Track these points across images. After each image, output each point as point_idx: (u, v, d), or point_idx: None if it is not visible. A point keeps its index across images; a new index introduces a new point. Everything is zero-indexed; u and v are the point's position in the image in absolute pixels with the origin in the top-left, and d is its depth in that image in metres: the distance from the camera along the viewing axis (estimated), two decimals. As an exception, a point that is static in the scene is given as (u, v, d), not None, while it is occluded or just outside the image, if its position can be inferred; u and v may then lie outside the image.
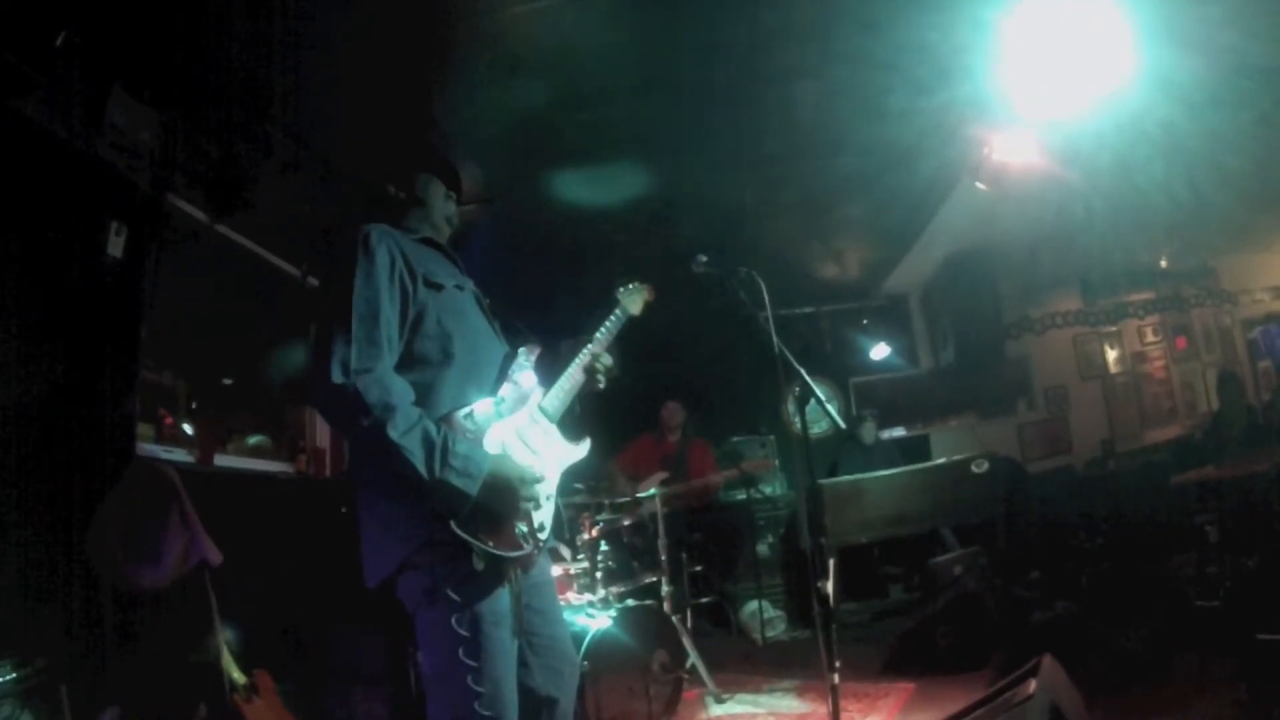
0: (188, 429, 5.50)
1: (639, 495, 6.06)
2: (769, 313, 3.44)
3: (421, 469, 2.30)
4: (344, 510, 5.55)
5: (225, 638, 4.13)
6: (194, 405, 5.75)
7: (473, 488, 2.37)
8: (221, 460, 5.60)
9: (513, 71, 5.11)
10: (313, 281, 6.54)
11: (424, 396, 2.49)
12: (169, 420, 5.36)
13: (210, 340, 5.87)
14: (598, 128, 5.80)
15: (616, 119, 5.77)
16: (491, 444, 2.55)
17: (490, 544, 2.40)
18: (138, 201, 4.71)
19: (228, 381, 6.31)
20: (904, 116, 5.87)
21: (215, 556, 4.08)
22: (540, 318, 4.12)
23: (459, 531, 2.34)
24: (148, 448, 4.95)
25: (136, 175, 4.70)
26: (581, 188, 6.49)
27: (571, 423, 2.96)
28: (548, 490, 2.73)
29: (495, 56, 5.05)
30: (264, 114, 5.16)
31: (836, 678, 3.26)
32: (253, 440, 6.27)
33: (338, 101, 5.18)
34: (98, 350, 4.38)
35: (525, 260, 7.09)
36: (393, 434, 2.30)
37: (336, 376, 2.32)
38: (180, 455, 5.18)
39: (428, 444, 2.34)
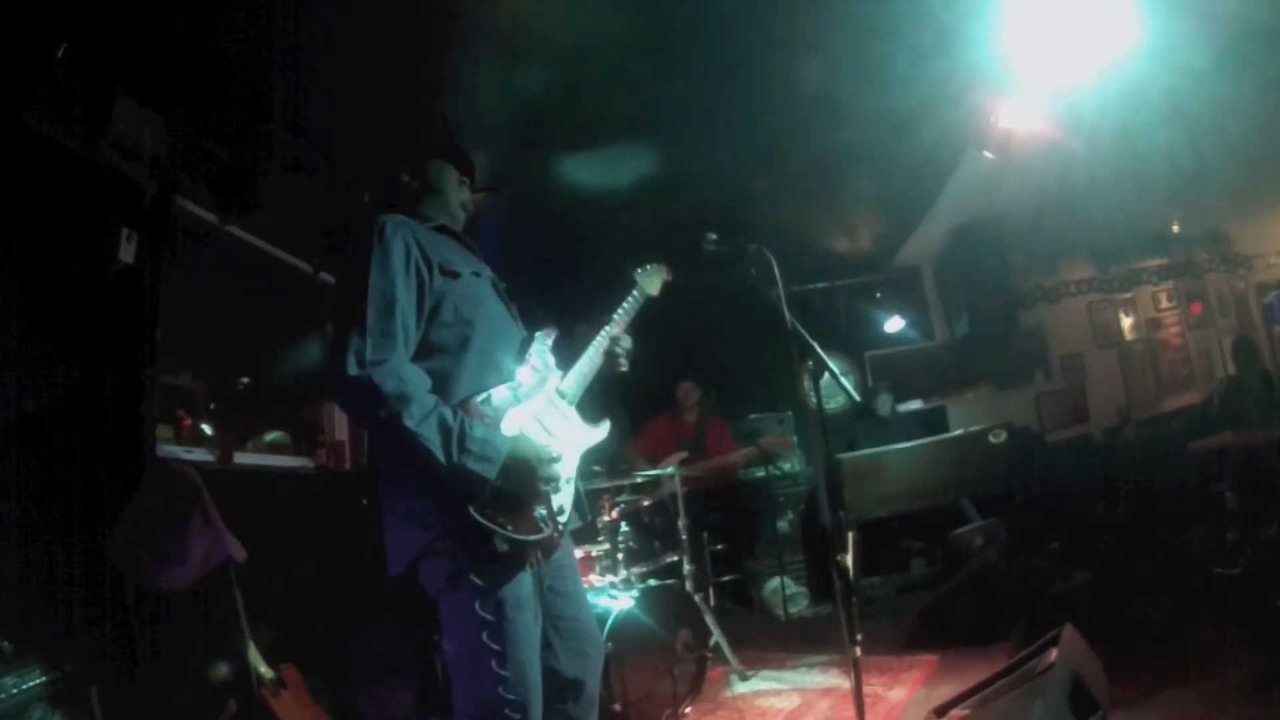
0: (207, 429, 5.53)
1: (657, 473, 6.05)
2: (781, 289, 3.43)
3: (439, 455, 2.31)
4: (365, 502, 5.58)
5: (252, 633, 4.16)
6: (212, 405, 5.78)
7: (491, 471, 2.38)
8: (242, 458, 5.63)
9: (514, 58, 5.12)
10: (325, 277, 6.55)
11: (442, 384, 2.50)
12: (188, 421, 5.40)
13: (226, 340, 5.91)
14: (602, 109, 5.81)
15: (621, 99, 5.78)
16: (509, 428, 2.55)
17: (510, 528, 2.41)
18: (146, 206, 4.73)
19: (245, 380, 6.34)
20: (907, 84, 5.84)
21: (239, 553, 4.10)
22: (553, 300, 4.13)
23: (478, 517, 2.35)
24: (168, 449, 4.98)
25: (143, 180, 4.72)
26: (588, 169, 6.50)
27: (590, 405, 2.97)
28: (567, 473, 2.73)
29: (497, 44, 5.06)
30: (268, 112, 5.16)
31: (859, 651, 3.26)
32: (270, 437, 6.31)
33: (341, 96, 5.19)
34: (113, 355, 4.42)
35: (535, 244, 7.10)
36: (409, 423, 2.31)
37: (352, 369, 2.33)
38: (200, 455, 5.22)
39: (444, 430, 2.35)
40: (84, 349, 4.27)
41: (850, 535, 3.25)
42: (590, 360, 2.98)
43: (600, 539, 5.25)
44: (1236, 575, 5.65)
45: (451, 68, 5.22)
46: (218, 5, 4.38)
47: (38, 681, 3.31)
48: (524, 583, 2.48)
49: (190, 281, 5.11)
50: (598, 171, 6.50)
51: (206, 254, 5.50)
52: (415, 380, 2.40)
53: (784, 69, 5.73)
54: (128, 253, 4.57)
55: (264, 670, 4.11)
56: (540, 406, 2.73)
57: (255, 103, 5.10)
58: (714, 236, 3.63)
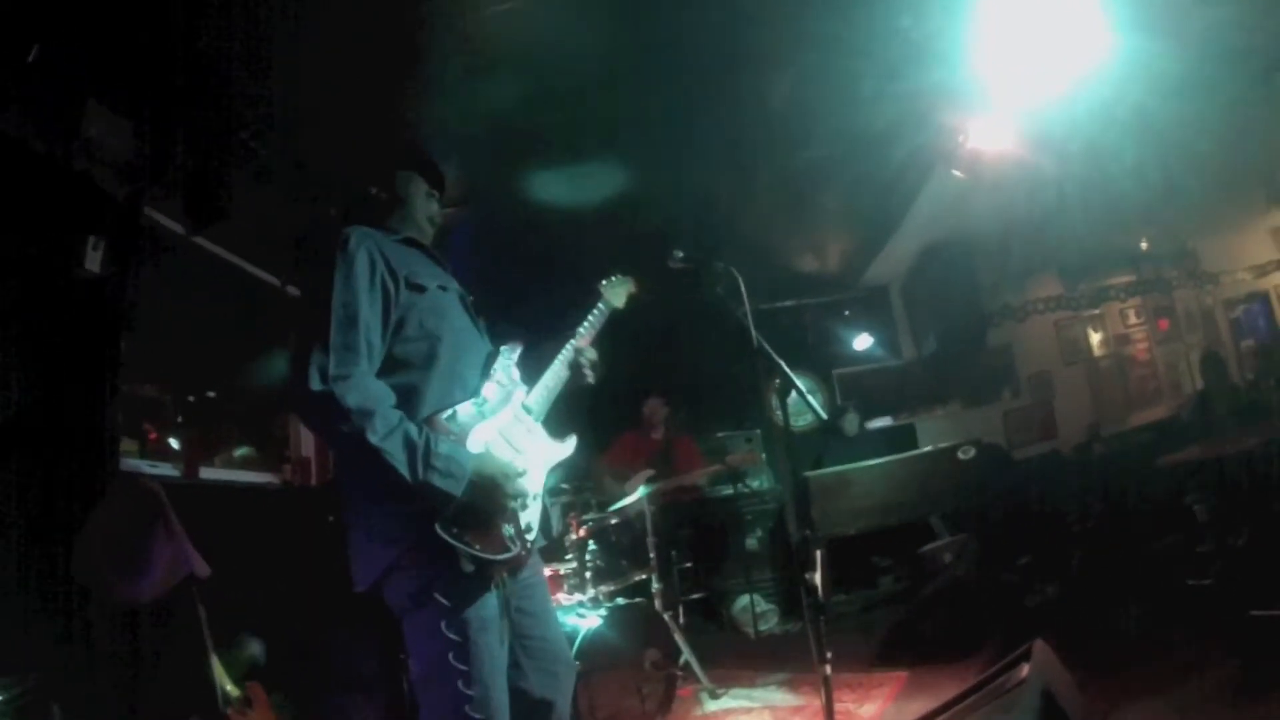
0: (174, 443, 5.48)
1: (623, 503, 6.02)
2: (747, 307, 3.44)
3: (404, 472, 2.29)
4: (331, 519, 5.53)
5: (219, 650, 4.12)
6: (179, 419, 5.73)
7: (457, 488, 2.36)
8: (207, 473, 5.58)
9: (483, 72, 5.11)
10: (293, 290, 6.52)
11: (408, 399, 2.47)
12: (154, 435, 5.34)
13: (193, 352, 5.86)
14: (570, 124, 5.79)
15: (589, 115, 5.75)
16: (475, 444, 2.53)
17: (476, 547, 2.39)
18: (114, 214, 4.69)
19: (211, 394, 6.28)
20: (876, 102, 5.86)
21: (203, 569, 4.06)
22: (520, 315, 4.10)
23: (444, 535, 2.33)
24: (132, 462, 4.93)
25: (112, 188, 4.68)
26: (556, 185, 6.47)
27: (556, 420, 2.95)
28: (534, 489, 2.71)
29: (466, 58, 5.04)
30: (238, 122, 5.14)
31: (828, 669, 3.26)
32: (239, 452, 6.26)
33: (312, 107, 5.17)
34: (77, 366, 4.36)
35: (502, 258, 7.07)
36: (373, 438, 2.28)
37: (314, 384, 2.30)
38: (166, 469, 5.17)
39: (409, 446, 2.32)
40: (47, 358, 4.22)
41: (818, 553, 3.25)
42: (556, 374, 2.97)
43: (568, 557, 5.23)
44: (1208, 585, 5.67)
45: (420, 80, 5.20)
46: (190, 13, 4.34)
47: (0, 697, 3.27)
48: (489, 602, 2.46)
49: (157, 292, 5.06)
50: (565, 186, 6.47)
51: (174, 265, 5.46)
52: (379, 395, 2.38)
53: (753, 85, 5.74)
54: (94, 261, 4.52)
55: (230, 687, 4.07)
56: (506, 422, 2.71)
57: (225, 112, 5.07)
58: (680, 254, 3.63)
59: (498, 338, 2.93)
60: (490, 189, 6.41)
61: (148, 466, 5.04)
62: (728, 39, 5.23)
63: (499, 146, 6.00)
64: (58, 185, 4.36)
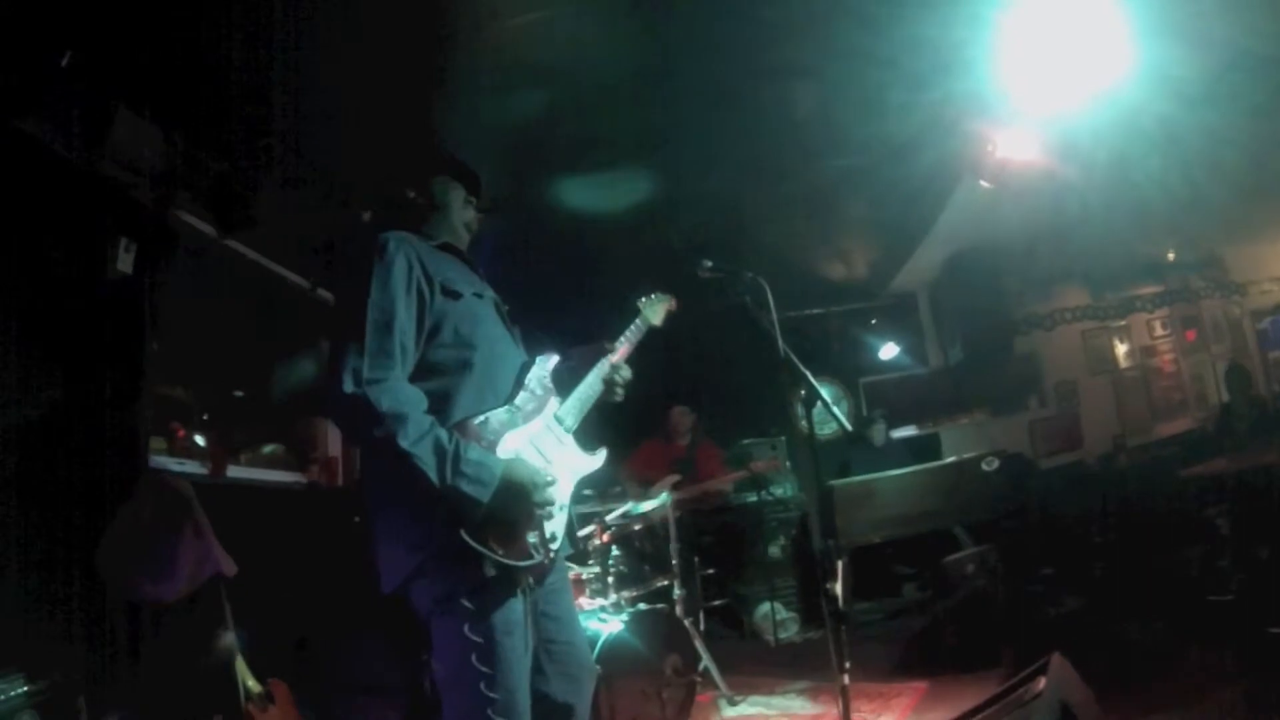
0: (200, 441, 5.52)
1: (646, 508, 6.02)
2: (774, 316, 3.44)
3: (433, 476, 2.30)
4: (357, 519, 5.56)
5: (241, 646, 4.15)
6: (206, 417, 5.77)
7: (485, 495, 2.36)
8: (234, 471, 5.62)
9: (511, 81, 5.13)
10: (322, 293, 6.56)
11: (440, 405, 2.49)
12: (181, 433, 5.39)
13: (222, 353, 5.91)
14: (599, 133, 5.80)
15: (618, 123, 5.77)
16: (505, 452, 2.54)
17: (501, 553, 2.40)
18: (144, 218, 4.74)
19: (239, 394, 6.33)
20: (903, 112, 5.88)
21: (229, 568, 4.09)
22: (549, 324, 4.11)
23: (469, 539, 2.34)
24: (160, 460, 4.97)
25: (141, 192, 4.73)
26: (585, 193, 6.49)
27: (587, 432, 2.96)
28: (561, 499, 2.71)
29: (494, 67, 5.07)
30: (268, 128, 5.18)
31: (846, 679, 3.25)
32: (267, 450, 6.30)
33: (341, 114, 5.20)
34: (108, 365, 4.41)
35: (532, 267, 7.09)
36: (404, 442, 2.30)
37: (348, 386, 2.32)
38: (193, 467, 5.21)
39: (439, 452, 2.33)
40: (79, 358, 4.27)
41: (840, 563, 3.25)
42: (590, 387, 2.97)
43: (591, 562, 5.24)
44: (1229, 601, 5.64)
45: (450, 88, 5.23)
46: (219, 20, 4.38)
47: (20, 691, 3.29)
48: (514, 607, 2.47)
49: (187, 294, 5.11)
50: (594, 196, 6.50)
51: (204, 267, 5.51)
52: (412, 400, 2.39)
53: (781, 96, 5.74)
54: (125, 263, 4.58)
55: (251, 684, 4.10)
56: (537, 431, 2.72)
57: (255, 118, 5.11)
58: (709, 263, 3.65)
59: (532, 347, 2.95)
60: (517, 197, 6.42)
61: (175, 464, 5.08)
62: (755, 51, 5.24)
63: (528, 156, 6.01)
64: (88, 189, 4.41)
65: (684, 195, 6.80)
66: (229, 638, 4.17)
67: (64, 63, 4.07)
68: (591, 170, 6.28)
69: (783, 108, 5.89)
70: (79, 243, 4.40)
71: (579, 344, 3.15)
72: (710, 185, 6.80)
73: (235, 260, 5.91)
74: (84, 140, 4.34)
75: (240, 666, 4.08)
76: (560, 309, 6.27)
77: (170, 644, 4.14)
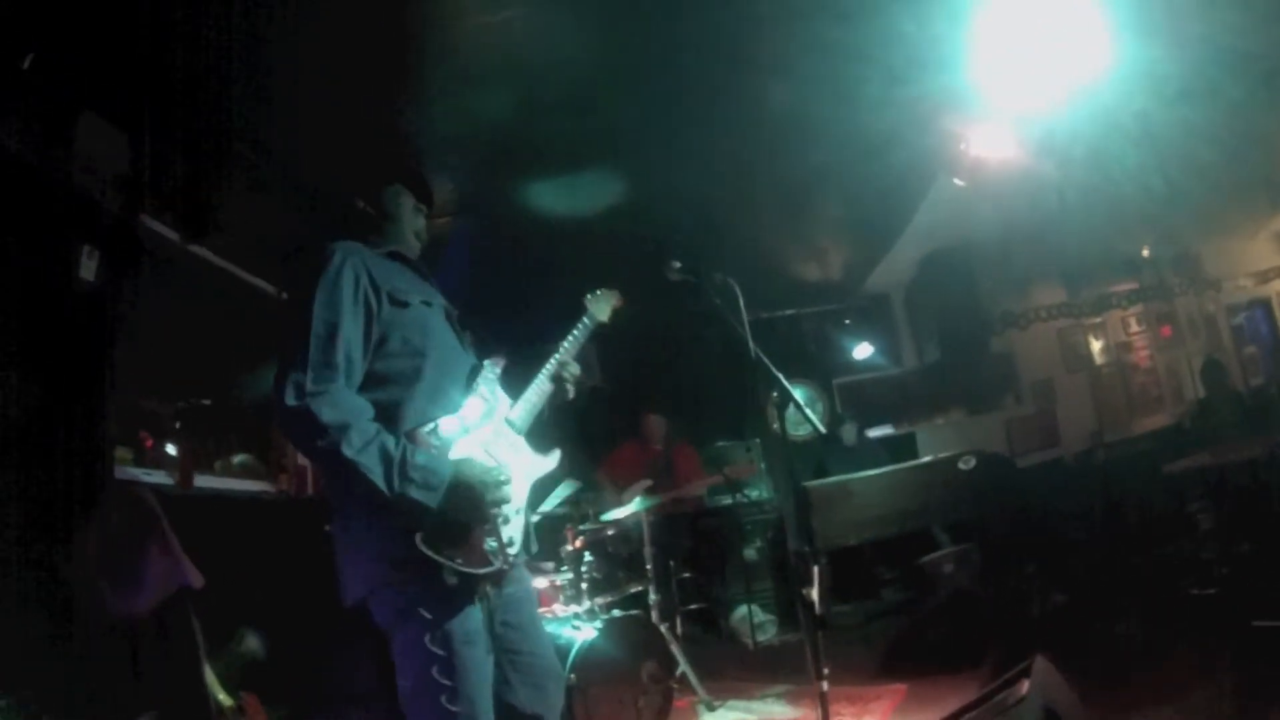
0: (171, 450, 5.45)
1: (617, 513, 5.98)
2: (745, 317, 3.42)
3: (381, 484, 2.28)
4: (327, 528, 5.49)
5: (215, 652, 4.11)
6: (177, 425, 5.70)
7: (434, 500, 2.34)
8: (202, 481, 5.55)
9: (479, 81, 5.09)
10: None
11: (390, 415, 2.46)
12: (150, 443, 5.31)
13: (190, 361, 5.83)
14: (567, 132, 5.73)
15: (586, 122, 5.69)
16: (456, 456, 2.52)
17: (458, 560, 2.37)
18: (108, 225, 4.67)
19: (206, 402, 6.26)
20: (879, 108, 5.82)
21: (197, 580, 4.03)
22: (511, 327, 4.08)
23: (425, 549, 2.32)
24: (129, 471, 4.90)
25: (106, 198, 4.66)
26: (552, 194, 6.44)
27: (542, 433, 2.93)
28: (516, 502, 2.69)
29: (461, 67, 5.02)
30: (233, 133, 5.12)
31: (825, 685, 3.23)
32: (238, 459, 6.23)
33: (306, 118, 5.15)
34: (72, 374, 4.34)
35: (496, 270, 7.05)
36: (348, 452, 2.28)
37: (290, 399, 2.32)
38: (160, 478, 5.14)
39: (385, 459, 2.31)
40: (42, 367, 4.19)
41: (816, 568, 3.23)
42: (539, 388, 2.96)
43: (564, 568, 5.20)
44: (1211, 595, 5.65)
45: (416, 89, 5.18)
46: (184, 24, 4.32)
47: (-10, 710, 3.25)
48: (473, 616, 2.45)
49: (153, 301, 5.04)
50: (563, 196, 6.43)
51: (170, 274, 5.43)
52: (355, 409, 2.38)
53: (753, 92, 5.70)
54: (89, 270, 4.50)
55: (223, 698, 4.04)
56: (489, 435, 2.70)
57: (220, 123, 5.05)
58: (678, 264, 3.62)
59: (482, 350, 2.91)
60: (486, 199, 6.38)
61: (143, 475, 5.01)
62: (728, 45, 5.21)
63: (495, 156, 5.97)
64: (52, 195, 4.33)
65: (655, 195, 6.75)
66: (252, 640, 4.16)
67: (25, 65, 4.00)
68: (560, 171, 6.23)
69: (755, 104, 5.85)
70: (42, 250, 4.32)
71: (533, 346, 3.12)
72: (682, 185, 6.74)
73: (201, 266, 5.84)
74: (47, 146, 4.27)
75: (212, 681, 4.02)
76: (521, 311, 6.24)
77: (139, 659, 4.08)
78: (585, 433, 3.37)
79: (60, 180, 4.35)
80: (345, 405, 2.35)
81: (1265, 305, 10.19)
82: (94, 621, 4.00)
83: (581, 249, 6.85)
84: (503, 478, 2.56)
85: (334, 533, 2.55)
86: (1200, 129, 6.30)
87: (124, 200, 4.78)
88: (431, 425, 2.52)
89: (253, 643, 4.52)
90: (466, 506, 2.42)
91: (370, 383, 2.51)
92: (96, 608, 3.92)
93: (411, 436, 2.45)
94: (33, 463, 4.07)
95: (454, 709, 2.33)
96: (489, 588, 2.51)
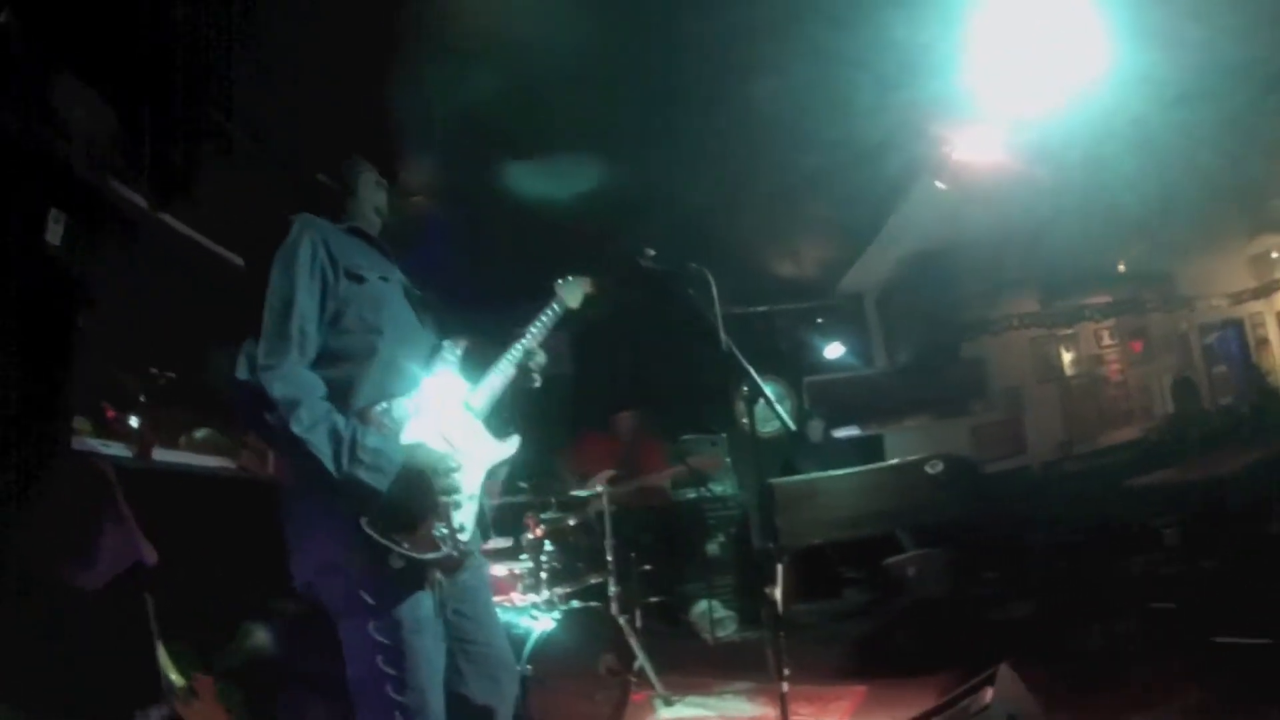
0: (133, 422, 5.36)
1: (585, 494, 5.95)
2: (718, 309, 3.39)
3: (329, 464, 2.24)
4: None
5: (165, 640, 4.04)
6: (141, 398, 5.62)
7: (383, 483, 2.30)
8: (161, 455, 5.46)
9: (465, 59, 5.03)
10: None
11: (344, 391, 2.42)
12: (111, 414, 5.23)
13: (157, 332, 5.75)
14: (553, 121, 5.72)
15: (572, 112, 5.69)
16: (408, 439, 2.48)
17: (405, 545, 2.32)
18: (77, 188, 4.59)
19: (170, 375, 6.17)
20: (870, 113, 5.82)
21: (151, 556, 3.96)
22: (484, 311, 4.03)
23: (371, 532, 2.27)
24: (87, 442, 4.82)
25: (76, 160, 4.57)
26: (534, 182, 6.38)
27: (506, 418, 2.89)
28: (470, 489, 2.65)
29: (445, 42, 4.96)
30: (208, 101, 5.06)
31: (785, 686, 3.22)
32: (200, 433, 6.14)
33: (283, 89, 5.08)
34: (34, 341, 4.26)
35: (475, 254, 7.00)
36: (297, 429, 2.24)
37: (242, 373, 2.30)
38: (118, 450, 5.05)
39: (335, 438, 2.27)
40: (3, 330, 4.11)
41: (779, 567, 3.21)
42: (502, 373, 2.92)
43: (523, 557, 5.16)
44: (1173, 609, 5.68)
45: (398, 63, 5.12)
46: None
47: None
48: (423, 603, 2.41)
49: (122, 269, 4.96)
50: (546, 184, 6.40)
51: (139, 241, 5.35)
52: (306, 385, 2.34)
53: (741, 92, 5.68)
54: (55, 234, 4.42)
55: (175, 678, 3.98)
56: (444, 419, 2.66)
57: (195, 90, 4.98)
58: (652, 253, 3.59)
59: (445, 332, 2.87)
60: (464, 182, 6.33)
61: (100, 446, 4.93)
62: (720, 48, 5.19)
63: (474, 139, 5.92)
64: (19, 156, 4.25)
65: (638, 188, 6.71)
66: (259, 635, 4.12)
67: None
68: (541, 159, 6.19)
69: (746, 106, 5.82)
70: (9, 213, 4.24)
71: (500, 330, 3.08)
72: (665, 179, 6.72)
73: (173, 237, 5.75)
74: (17, 105, 4.19)
75: (164, 660, 3.96)
76: (497, 297, 6.20)
77: (90, 636, 4.02)
78: (548, 417, 3.34)
79: (28, 140, 4.27)
80: (296, 381, 2.31)
81: (1238, 326, 10.23)
82: (43, 597, 3.94)
83: (559, 237, 6.82)
84: (454, 465, 2.53)
85: (283, 512, 2.50)
86: (1198, 135, 6.31)
87: (94, 163, 4.71)
88: (384, 405, 2.48)
89: (260, 637, 4.46)
90: (416, 493, 2.38)
91: (325, 359, 2.47)
92: (46, 583, 3.86)
93: (364, 415, 2.41)
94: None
95: (400, 699, 2.29)
96: (439, 575, 2.46)
